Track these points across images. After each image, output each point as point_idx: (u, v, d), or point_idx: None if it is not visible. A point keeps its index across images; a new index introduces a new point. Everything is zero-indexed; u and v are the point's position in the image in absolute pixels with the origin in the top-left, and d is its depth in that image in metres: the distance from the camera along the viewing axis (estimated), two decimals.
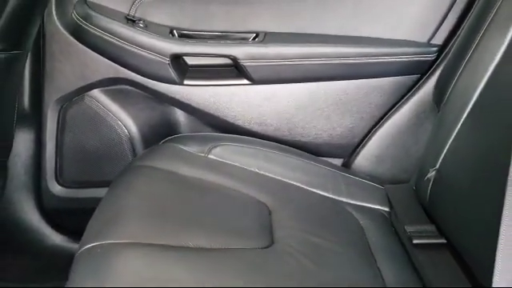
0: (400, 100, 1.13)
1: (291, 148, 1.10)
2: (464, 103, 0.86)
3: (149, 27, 1.08)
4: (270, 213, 0.81)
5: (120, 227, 0.67)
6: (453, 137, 0.87)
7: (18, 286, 1.18)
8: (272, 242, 0.72)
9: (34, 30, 0.88)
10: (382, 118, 1.14)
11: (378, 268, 0.76)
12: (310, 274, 0.69)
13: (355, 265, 0.76)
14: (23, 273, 1.20)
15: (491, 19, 0.89)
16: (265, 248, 0.71)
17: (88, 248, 0.64)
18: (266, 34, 1.12)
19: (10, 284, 1.18)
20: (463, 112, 0.86)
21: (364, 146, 1.16)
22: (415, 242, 0.83)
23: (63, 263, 1.18)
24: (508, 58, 0.80)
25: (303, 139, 1.15)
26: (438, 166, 0.89)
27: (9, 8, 0.76)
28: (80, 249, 0.66)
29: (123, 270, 0.61)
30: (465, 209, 0.79)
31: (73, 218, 1.20)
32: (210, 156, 0.95)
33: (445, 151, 0.88)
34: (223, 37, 1.12)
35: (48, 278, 1.20)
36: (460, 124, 0.86)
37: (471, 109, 0.85)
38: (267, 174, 0.94)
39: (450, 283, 0.75)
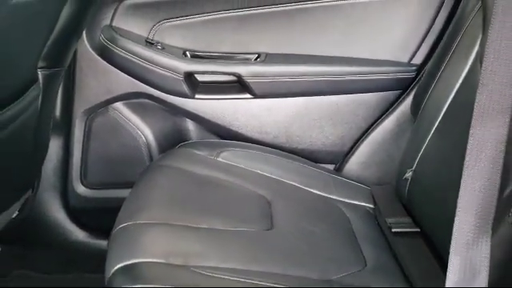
0: (384, 113, 1.28)
1: (289, 154, 1.25)
2: (435, 115, 1.02)
3: (165, 49, 1.24)
4: (269, 205, 0.95)
5: (148, 211, 0.82)
6: (426, 142, 1.03)
7: (48, 278, 1.32)
8: (272, 227, 0.87)
9: (72, 51, 1.04)
10: (368, 129, 1.29)
11: (361, 251, 0.91)
12: (303, 252, 0.84)
13: (341, 248, 0.90)
14: (49, 265, 1.33)
15: (457, 43, 1.06)
16: (266, 230, 0.85)
17: (122, 226, 0.79)
18: (266, 54, 1.28)
19: (38, 274, 1.32)
20: (434, 122, 1.02)
21: (353, 152, 1.30)
22: (394, 230, 0.98)
23: (85, 257, 1.34)
24: (470, 76, 0.96)
25: (299, 146, 1.30)
26: (414, 168, 1.04)
27: (55, 32, 0.92)
28: (115, 228, 0.80)
29: (151, 244, 0.75)
30: (435, 203, 0.94)
31: (95, 216, 1.35)
32: (219, 159, 1.10)
33: (420, 154, 1.04)
34: (229, 57, 1.28)
35: (71, 269, 1.34)
36: (432, 132, 1.02)
37: (441, 119, 1.01)
38: (267, 174, 1.09)
39: (422, 264, 0.90)
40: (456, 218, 0.75)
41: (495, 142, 0.78)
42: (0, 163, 0.93)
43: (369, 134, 1.29)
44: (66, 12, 0.92)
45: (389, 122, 1.28)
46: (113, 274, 0.70)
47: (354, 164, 1.30)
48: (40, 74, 0.96)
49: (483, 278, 0.71)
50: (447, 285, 0.72)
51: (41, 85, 0.97)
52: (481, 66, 0.89)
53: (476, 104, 0.81)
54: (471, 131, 0.79)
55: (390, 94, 1.28)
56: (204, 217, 0.84)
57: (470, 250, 0.73)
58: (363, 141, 1.29)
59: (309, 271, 0.78)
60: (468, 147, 0.79)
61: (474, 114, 0.80)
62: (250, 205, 0.93)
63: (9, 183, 1.02)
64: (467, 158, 0.78)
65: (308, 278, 0.76)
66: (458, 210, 0.76)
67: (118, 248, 0.75)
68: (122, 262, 0.71)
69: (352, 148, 1.30)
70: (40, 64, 0.95)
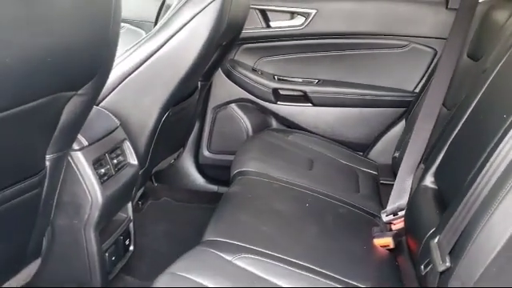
0: (395, 121, 2.05)
1: (332, 141, 2.05)
2: (414, 121, 1.77)
3: (263, 74, 2.10)
4: (312, 162, 1.76)
5: (249, 153, 1.67)
6: (408, 136, 1.78)
7: (181, 204, 2.20)
8: (312, 169, 1.68)
9: (215, 73, 1.93)
10: (385, 130, 2.06)
11: (359, 188, 1.68)
12: (326, 181, 1.63)
13: (348, 184, 1.68)
14: (182, 197, 2.22)
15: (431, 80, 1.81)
16: (308, 170, 1.67)
17: (237, 158, 1.65)
18: (323, 80, 2.10)
19: (175, 202, 2.21)
20: (413, 125, 1.76)
21: (374, 145, 2.07)
22: (381, 182, 1.74)
23: (203, 194, 2.22)
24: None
25: (340, 139, 2.08)
26: (401, 150, 1.80)
27: (210, 63, 1.81)
28: (235, 159, 1.65)
29: (251, 163, 1.59)
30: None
31: (212, 170, 2.22)
32: (288, 138, 1.93)
33: (403, 143, 1.79)
34: (300, 81, 2.11)
35: (194, 201, 2.21)
36: (412, 131, 1.77)
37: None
38: (314, 148, 1.89)
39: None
40: (400, 167, 1.53)
41: (426, 131, 1.54)
42: (172, 135, 1.79)
43: (384, 133, 2.06)
44: (216, 54, 1.80)
45: (396, 127, 2.04)
46: (233, 174, 1.55)
47: (374, 152, 2.08)
48: (199, 84, 1.86)
49: (406, 195, 1.47)
50: (390, 198, 1.48)
51: (199, 90, 1.87)
52: None
53: (420, 112, 1.58)
54: (416, 126, 1.57)
55: (399, 110, 2.04)
56: (276, 160, 1.67)
57: (404, 181, 1.50)
58: (380, 138, 2.07)
59: (328, 189, 1.57)
60: (413, 133, 1.56)
61: (419, 117, 1.58)
62: (302, 160, 1.74)
63: (172, 144, 1.92)
64: (411, 139, 1.56)
65: (327, 191, 1.55)
66: (402, 163, 1.53)
67: (235, 165, 1.60)
68: (237, 170, 1.56)
69: (373, 142, 2.08)
70: (200, 79, 1.85)
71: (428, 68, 2.00)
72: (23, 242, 1.11)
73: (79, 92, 0.96)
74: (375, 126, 2.07)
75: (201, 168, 2.22)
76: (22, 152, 0.93)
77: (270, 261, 1.06)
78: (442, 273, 0.96)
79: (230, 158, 1.87)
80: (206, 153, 2.20)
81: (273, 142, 1.85)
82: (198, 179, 2.22)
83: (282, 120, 2.13)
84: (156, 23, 2.05)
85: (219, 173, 2.15)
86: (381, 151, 2.06)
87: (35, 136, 0.95)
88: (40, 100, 0.84)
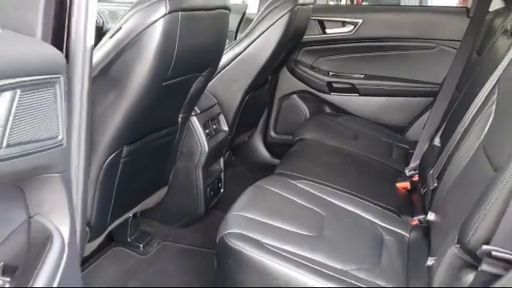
0: (425, 107, 2.53)
1: (374, 123, 2.56)
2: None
3: (319, 70, 2.66)
4: (356, 137, 2.29)
5: (305, 127, 2.23)
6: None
7: (252, 173, 2.78)
8: (356, 139, 2.21)
9: (282, 68, 2.51)
10: (417, 115, 2.55)
11: (393, 154, 2.19)
12: (368, 147, 2.16)
13: (384, 151, 2.19)
14: (254, 168, 2.80)
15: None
16: (353, 141, 2.20)
17: (299, 131, 2.21)
18: (368, 75, 2.62)
19: (246, 172, 2.80)
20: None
21: (410, 127, 2.57)
22: (410, 151, 2.24)
23: (268, 167, 2.79)
24: None
25: (381, 122, 2.59)
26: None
27: (278, 60, 2.38)
28: (294, 139, 2.21)
29: (307, 133, 2.15)
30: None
31: (276, 148, 2.80)
32: (338, 120, 2.47)
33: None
34: (349, 75, 2.65)
35: (260, 171, 2.78)
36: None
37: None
38: (360, 128, 2.42)
39: None
40: (421, 136, 2.03)
41: (441, 109, 2.04)
42: (249, 115, 2.38)
43: (418, 118, 2.55)
44: (282, 55, 2.38)
45: (428, 113, 2.51)
46: (295, 140, 2.11)
47: (409, 133, 2.57)
48: (269, 78, 2.45)
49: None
50: (412, 159, 1.99)
51: (268, 83, 2.46)
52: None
53: (438, 96, 2.09)
54: (434, 106, 2.07)
55: (429, 98, 2.52)
56: (328, 133, 2.21)
57: (423, 146, 2.00)
58: (415, 122, 2.56)
59: (366, 152, 2.09)
60: (432, 111, 2.06)
61: (436, 99, 2.08)
62: (348, 134, 2.28)
63: (249, 122, 2.51)
64: (430, 115, 2.06)
65: (366, 153, 2.08)
66: (422, 134, 2.04)
67: (296, 135, 2.16)
68: (298, 137, 2.12)
69: (408, 125, 2.58)
70: (270, 74, 2.43)
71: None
72: (161, 171, 1.75)
73: (202, 74, 1.58)
74: (410, 112, 2.57)
75: (268, 145, 2.80)
76: (171, 108, 1.57)
77: (321, 186, 1.62)
78: (432, 191, 1.48)
79: (289, 137, 2.43)
80: (272, 133, 2.78)
81: (326, 123, 2.40)
82: (265, 154, 2.81)
83: (334, 107, 2.67)
84: (237, 32, 2.68)
85: (282, 150, 2.69)
86: (414, 132, 2.55)
87: (177, 99, 1.58)
88: (186, 76, 1.46)
